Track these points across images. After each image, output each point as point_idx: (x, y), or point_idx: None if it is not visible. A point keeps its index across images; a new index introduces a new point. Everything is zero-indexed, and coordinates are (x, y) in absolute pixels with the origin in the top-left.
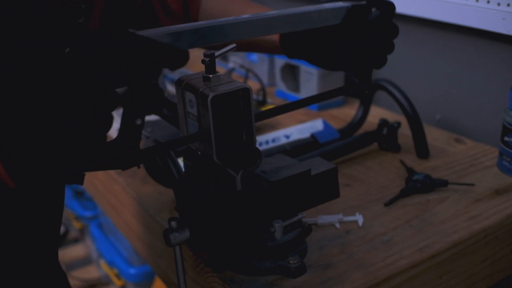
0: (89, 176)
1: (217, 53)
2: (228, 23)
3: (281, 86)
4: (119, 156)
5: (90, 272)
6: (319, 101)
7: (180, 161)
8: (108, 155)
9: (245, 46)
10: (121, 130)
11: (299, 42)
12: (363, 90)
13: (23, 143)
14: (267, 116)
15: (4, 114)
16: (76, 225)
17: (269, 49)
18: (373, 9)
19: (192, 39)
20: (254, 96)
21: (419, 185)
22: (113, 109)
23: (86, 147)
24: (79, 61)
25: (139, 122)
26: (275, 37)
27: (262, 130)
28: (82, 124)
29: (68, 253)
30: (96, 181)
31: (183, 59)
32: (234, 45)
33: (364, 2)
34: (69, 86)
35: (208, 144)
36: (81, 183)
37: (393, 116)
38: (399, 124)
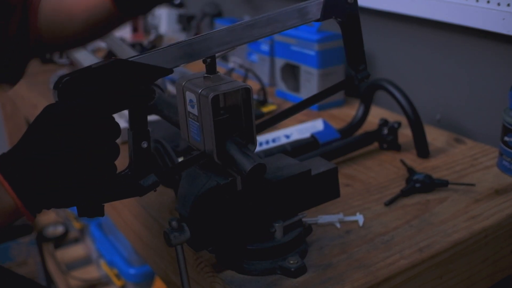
0: None
1: (217, 53)
2: (213, 36)
3: (281, 86)
4: (134, 184)
5: (90, 272)
6: (320, 100)
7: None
8: (122, 184)
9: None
10: (130, 156)
11: None
12: (362, 79)
13: (47, 188)
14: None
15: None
16: (76, 225)
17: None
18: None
19: (179, 57)
20: (254, 96)
21: (419, 185)
22: (118, 137)
23: (103, 182)
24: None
25: (145, 145)
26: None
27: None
28: (102, 163)
29: (68, 253)
30: None
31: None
32: None
33: None
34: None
35: (209, 144)
36: (102, 215)
37: (393, 116)
38: (399, 124)
